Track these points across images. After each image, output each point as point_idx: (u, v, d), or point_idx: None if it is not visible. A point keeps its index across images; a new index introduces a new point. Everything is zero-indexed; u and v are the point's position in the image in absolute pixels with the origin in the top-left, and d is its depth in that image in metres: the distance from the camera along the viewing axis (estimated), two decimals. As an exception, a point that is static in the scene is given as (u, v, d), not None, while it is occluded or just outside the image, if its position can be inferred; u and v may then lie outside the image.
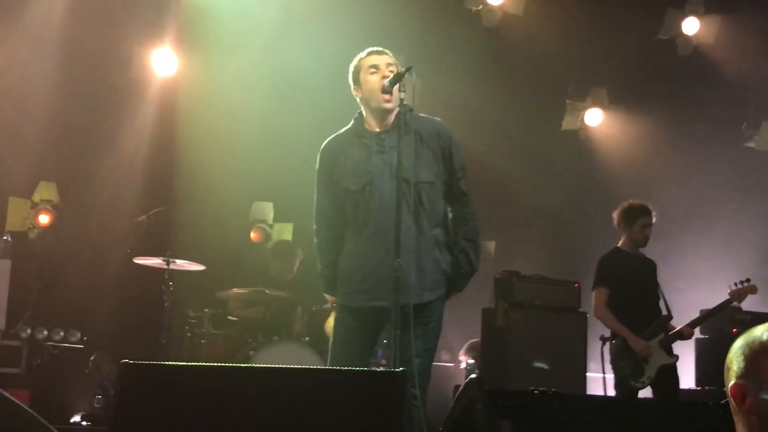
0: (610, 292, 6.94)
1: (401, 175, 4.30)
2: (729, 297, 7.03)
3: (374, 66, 4.52)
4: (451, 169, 4.56)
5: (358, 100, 4.60)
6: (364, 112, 4.59)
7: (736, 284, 7.04)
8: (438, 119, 4.65)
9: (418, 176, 4.41)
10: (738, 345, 2.13)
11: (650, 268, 7.10)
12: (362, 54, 4.60)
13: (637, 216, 6.96)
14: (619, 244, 7.09)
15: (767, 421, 2.05)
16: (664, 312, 6.97)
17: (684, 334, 6.95)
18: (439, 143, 4.52)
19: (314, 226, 4.72)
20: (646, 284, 7.01)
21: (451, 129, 4.65)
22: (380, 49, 4.60)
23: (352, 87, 4.59)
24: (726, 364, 2.15)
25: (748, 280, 7.06)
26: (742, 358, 2.09)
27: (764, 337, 2.07)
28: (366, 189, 4.43)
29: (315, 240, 4.73)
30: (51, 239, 8.74)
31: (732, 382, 2.11)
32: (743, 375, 2.08)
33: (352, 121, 4.63)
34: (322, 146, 4.64)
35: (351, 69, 4.60)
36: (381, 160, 4.44)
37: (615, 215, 7.09)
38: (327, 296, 4.77)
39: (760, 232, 9.50)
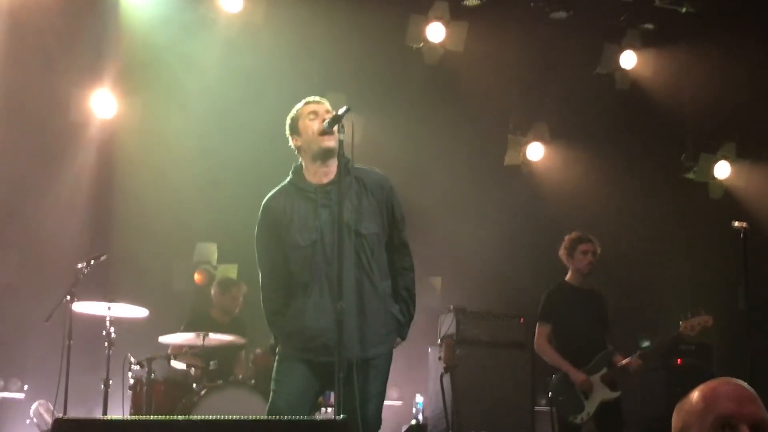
0: (552, 326, 6.96)
1: (350, 227, 4.30)
2: (681, 330, 6.65)
3: (313, 112, 4.51)
4: (393, 220, 4.55)
5: (297, 151, 4.56)
6: (304, 163, 4.54)
7: (688, 316, 6.65)
8: (378, 170, 4.63)
9: (368, 228, 4.41)
10: (678, 405, 2.32)
11: (597, 300, 7.03)
12: (299, 104, 4.59)
13: (575, 245, 7.00)
14: (566, 278, 7.09)
15: None
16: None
17: (630, 368, 6.69)
18: (383, 194, 4.51)
19: (262, 285, 4.56)
20: (592, 317, 6.93)
21: (394, 166, 4.65)
22: (318, 98, 4.61)
23: (291, 138, 4.55)
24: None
25: (700, 312, 6.65)
26: (677, 417, 2.30)
27: (694, 400, 2.26)
28: (315, 244, 4.37)
29: (264, 302, 4.56)
30: (-11, 286, 8.57)
31: None
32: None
33: (290, 175, 4.56)
34: (264, 203, 4.54)
35: (288, 121, 4.57)
36: (328, 214, 4.37)
37: (560, 251, 7.11)
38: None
39: (701, 261, 9.63)
